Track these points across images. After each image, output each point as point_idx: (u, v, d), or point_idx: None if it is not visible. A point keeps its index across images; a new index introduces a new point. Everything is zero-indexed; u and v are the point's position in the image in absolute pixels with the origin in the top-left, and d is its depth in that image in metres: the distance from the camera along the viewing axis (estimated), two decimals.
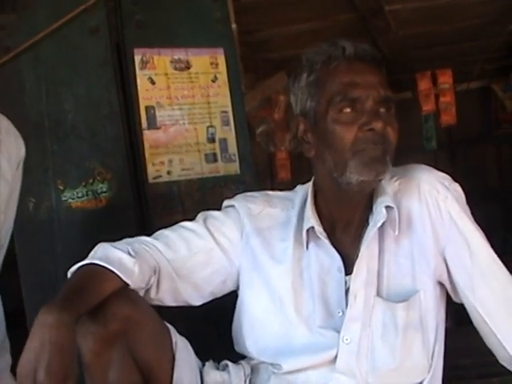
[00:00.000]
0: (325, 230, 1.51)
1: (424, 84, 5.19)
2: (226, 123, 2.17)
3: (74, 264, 1.46)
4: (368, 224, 1.51)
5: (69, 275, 1.47)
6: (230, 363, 1.59)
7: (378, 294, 1.49)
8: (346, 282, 1.50)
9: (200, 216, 1.64)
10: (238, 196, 1.69)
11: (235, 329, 1.62)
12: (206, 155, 2.14)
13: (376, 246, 1.50)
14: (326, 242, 1.50)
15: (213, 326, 1.81)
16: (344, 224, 1.53)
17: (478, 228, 1.52)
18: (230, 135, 2.17)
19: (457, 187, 1.54)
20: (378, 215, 1.48)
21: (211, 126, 2.16)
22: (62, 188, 2.08)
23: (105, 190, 2.08)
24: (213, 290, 1.62)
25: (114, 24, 2.14)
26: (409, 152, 3.35)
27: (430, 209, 1.50)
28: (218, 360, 1.62)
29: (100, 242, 1.52)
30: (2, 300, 1.80)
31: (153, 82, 2.12)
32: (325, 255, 1.52)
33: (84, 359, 1.41)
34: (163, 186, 2.10)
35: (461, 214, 1.50)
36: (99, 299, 1.38)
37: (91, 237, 1.77)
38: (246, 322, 1.59)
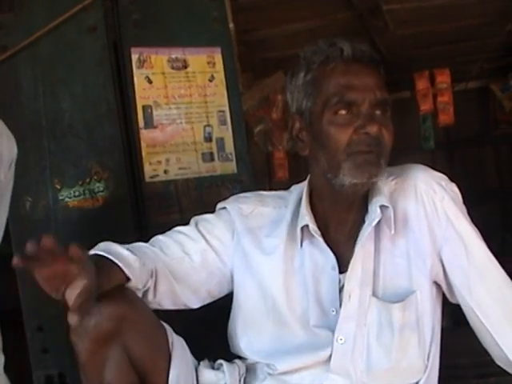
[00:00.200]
0: (319, 228, 1.51)
1: (422, 84, 5.19)
2: (223, 122, 2.16)
3: None
4: (364, 223, 1.50)
5: None
6: (224, 362, 1.59)
7: (374, 293, 1.49)
8: (340, 281, 1.50)
9: (192, 221, 1.66)
10: (231, 198, 1.70)
11: (230, 329, 1.63)
12: (202, 154, 2.14)
13: (372, 245, 1.51)
14: (320, 240, 1.50)
15: (208, 326, 1.81)
16: (338, 223, 1.53)
17: (475, 228, 1.52)
18: (227, 134, 2.17)
19: (453, 187, 1.54)
20: (373, 214, 1.48)
21: (208, 126, 2.15)
22: (58, 187, 2.08)
23: (102, 189, 2.07)
24: (209, 292, 1.62)
25: (112, 23, 2.13)
26: (407, 152, 3.35)
27: (427, 208, 1.50)
28: (213, 359, 1.63)
29: (97, 241, 1.52)
30: None
31: (150, 81, 2.12)
32: (319, 253, 1.52)
33: (80, 358, 1.41)
34: (160, 185, 2.10)
35: (457, 214, 1.50)
36: (107, 288, 1.37)
37: (88, 236, 1.78)
38: (240, 323, 1.59)
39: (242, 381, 1.57)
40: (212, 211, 1.69)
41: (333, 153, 1.45)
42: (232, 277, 1.61)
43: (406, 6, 3.73)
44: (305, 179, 1.61)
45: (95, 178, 2.07)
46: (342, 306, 1.49)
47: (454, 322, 2.41)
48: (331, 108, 1.45)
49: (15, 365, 1.74)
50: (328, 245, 1.51)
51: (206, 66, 2.18)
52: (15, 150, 1.77)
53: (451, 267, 1.51)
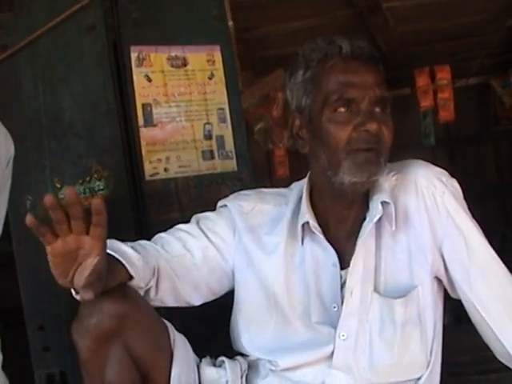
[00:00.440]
0: (320, 225, 1.51)
1: (422, 80, 5.18)
2: (222, 120, 2.16)
3: None
4: (365, 220, 1.50)
5: None
6: (226, 359, 1.59)
7: (376, 289, 1.49)
8: (341, 277, 1.50)
9: (193, 218, 1.66)
10: (231, 195, 1.70)
11: (232, 327, 1.63)
12: (202, 152, 2.14)
13: (373, 242, 1.51)
14: (321, 236, 1.50)
15: (210, 323, 1.82)
16: (339, 220, 1.53)
17: (476, 223, 1.52)
18: (227, 132, 2.17)
19: (454, 183, 1.54)
20: (374, 211, 1.48)
21: (208, 123, 2.15)
22: (59, 186, 2.08)
23: (102, 187, 2.07)
24: (210, 288, 1.62)
25: (111, 22, 2.13)
26: (407, 149, 3.34)
27: (427, 204, 1.50)
28: (215, 356, 1.63)
29: None
30: None
31: (149, 80, 2.12)
32: (320, 250, 1.52)
33: (81, 356, 1.41)
34: (160, 183, 2.10)
35: (458, 210, 1.50)
36: (111, 285, 1.38)
37: None
38: (242, 320, 1.59)
39: (244, 377, 1.57)
40: (212, 209, 1.69)
41: (333, 150, 1.44)
42: (233, 274, 1.62)
43: (405, 3, 3.73)
44: (305, 177, 1.61)
45: (95, 176, 2.07)
46: (344, 303, 1.49)
47: (456, 318, 2.41)
48: (330, 106, 1.45)
49: (16, 363, 1.73)
50: (329, 242, 1.51)
51: (205, 64, 2.17)
52: (12, 148, 1.77)
53: (452, 262, 1.51)
